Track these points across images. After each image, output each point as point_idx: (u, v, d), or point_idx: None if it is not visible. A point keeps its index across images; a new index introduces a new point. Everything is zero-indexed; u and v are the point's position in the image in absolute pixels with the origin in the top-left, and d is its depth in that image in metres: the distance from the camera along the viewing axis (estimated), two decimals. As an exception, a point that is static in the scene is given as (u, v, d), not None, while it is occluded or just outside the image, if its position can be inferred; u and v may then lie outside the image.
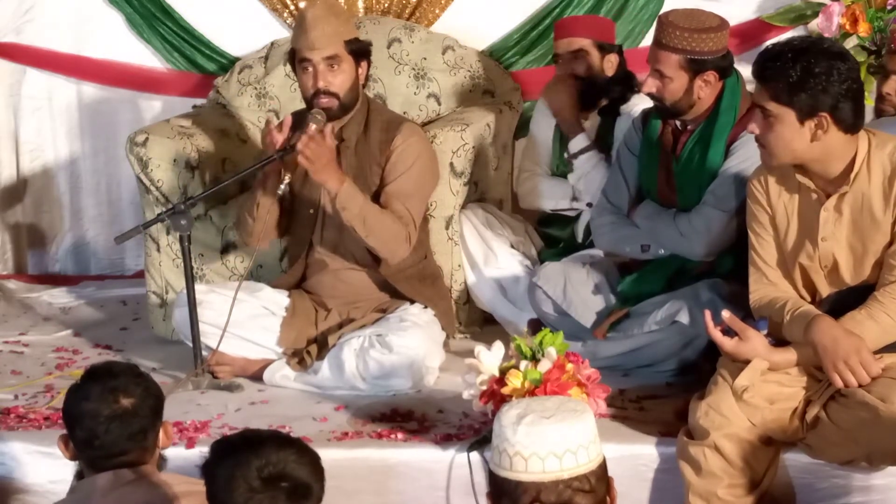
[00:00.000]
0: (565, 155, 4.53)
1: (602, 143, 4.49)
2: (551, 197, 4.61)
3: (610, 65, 4.50)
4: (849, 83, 3.16)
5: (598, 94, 4.49)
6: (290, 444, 2.37)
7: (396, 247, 4.04)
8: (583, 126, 4.49)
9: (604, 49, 4.51)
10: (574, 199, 4.56)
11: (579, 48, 4.49)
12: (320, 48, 4.01)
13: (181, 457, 3.46)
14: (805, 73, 3.13)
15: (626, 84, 4.51)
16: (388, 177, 4.08)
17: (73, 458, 2.82)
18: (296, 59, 4.08)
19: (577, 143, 4.48)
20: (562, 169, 4.58)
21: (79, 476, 2.87)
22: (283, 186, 4.00)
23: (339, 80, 4.04)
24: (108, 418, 2.72)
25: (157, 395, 2.82)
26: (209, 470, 2.33)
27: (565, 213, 4.62)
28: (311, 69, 4.03)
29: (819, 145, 3.19)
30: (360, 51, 4.10)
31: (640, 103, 4.43)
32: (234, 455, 2.30)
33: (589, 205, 4.48)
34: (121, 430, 2.72)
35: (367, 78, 4.20)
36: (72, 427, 2.78)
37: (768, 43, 3.39)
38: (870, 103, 4.53)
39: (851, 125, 3.20)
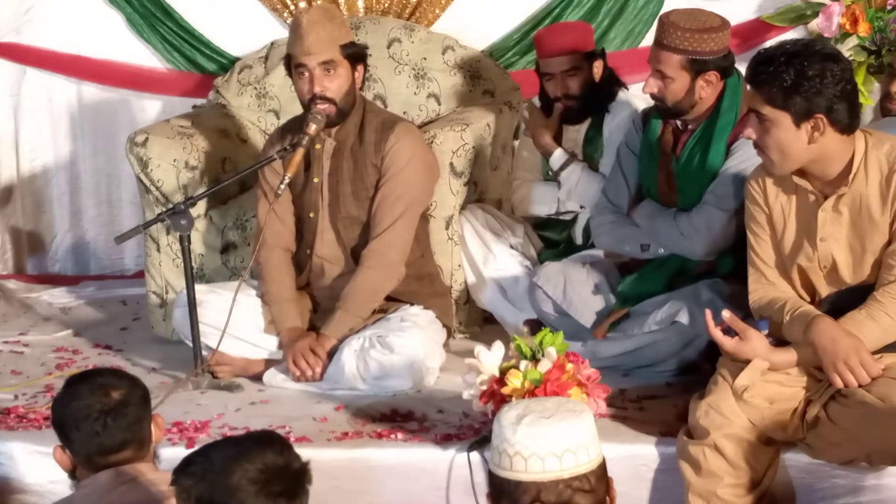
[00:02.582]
0: (549, 172, 4.54)
1: (592, 144, 4.48)
2: (543, 202, 4.61)
3: (597, 70, 4.47)
4: (843, 84, 3.16)
5: (595, 105, 4.47)
6: (271, 438, 2.34)
7: (391, 285, 4.10)
8: (555, 144, 4.48)
9: (592, 57, 4.46)
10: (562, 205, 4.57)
11: (571, 66, 4.42)
12: (316, 53, 4.00)
13: (180, 457, 3.45)
14: (799, 76, 3.13)
15: (612, 84, 4.49)
16: (381, 178, 4.08)
17: (71, 469, 2.82)
18: (292, 64, 4.08)
19: (556, 160, 4.48)
20: (553, 174, 4.58)
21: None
22: (281, 186, 4.00)
23: (335, 85, 4.03)
24: (102, 413, 2.73)
25: (143, 387, 2.84)
26: (209, 481, 2.29)
27: (561, 218, 4.61)
28: (307, 74, 4.03)
29: (816, 147, 3.19)
30: (355, 55, 4.09)
31: (625, 100, 4.44)
32: (233, 464, 2.27)
33: (581, 207, 4.49)
34: (117, 423, 2.73)
35: (364, 81, 4.20)
36: (67, 433, 2.77)
37: (762, 46, 3.38)
38: (869, 103, 4.55)
39: (847, 126, 3.20)
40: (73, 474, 2.84)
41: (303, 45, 4.00)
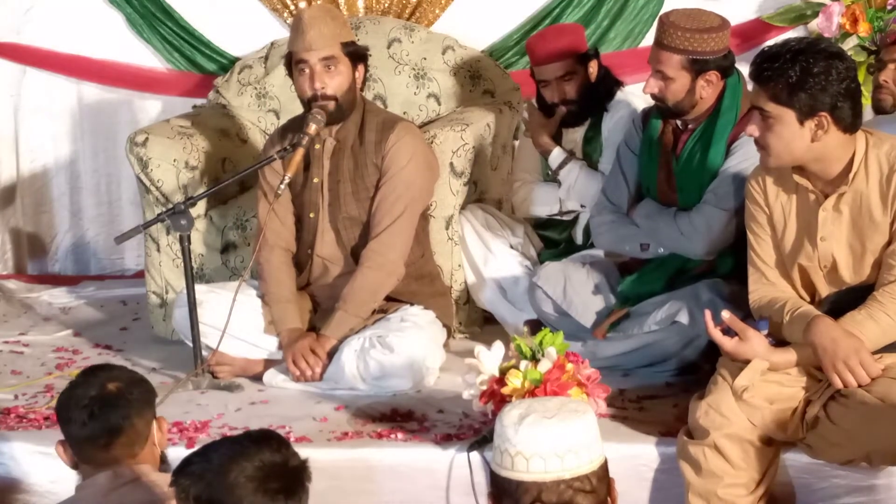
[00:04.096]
0: (549, 173, 4.54)
1: (591, 143, 4.48)
2: (545, 203, 4.60)
3: (593, 71, 4.46)
4: (847, 82, 3.16)
5: (593, 105, 4.47)
6: (268, 436, 2.34)
7: (390, 285, 4.09)
8: (553, 143, 4.48)
9: (587, 58, 4.45)
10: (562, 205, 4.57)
11: (566, 72, 4.41)
12: (317, 49, 4.00)
13: (181, 457, 3.45)
14: (804, 73, 3.13)
15: (609, 83, 4.49)
16: (382, 178, 4.08)
17: (72, 464, 2.82)
18: (292, 61, 4.07)
19: (554, 159, 4.48)
20: (552, 173, 4.57)
21: None
22: (281, 186, 4.00)
23: (335, 82, 4.03)
24: (92, 400, 2.73)
25: (148, 389, 2.84)
26: (207, 481, 2.29)
27: (561, 219, 4.61)
28: (307, 71, 4.03)
29: (819, 146, 3.19)
30: (356, 54, 4.09)
31: (623, 99, 4.44)
32: (230, 463, 2.27)
33: (582, 206, 4.49)
34: (104, 413, 2.73)
35: (364, 82, 4.20)
36: (63, 422, 2.78)
37: (765, 45, 3.38)
38: (868, 102, 4.55)
39: (850, 125, 3.20)
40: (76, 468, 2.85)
41: (304, 41, 4.00)
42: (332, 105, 4.03)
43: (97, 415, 2.73)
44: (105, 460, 2.75)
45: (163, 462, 2.88)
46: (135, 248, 5.50)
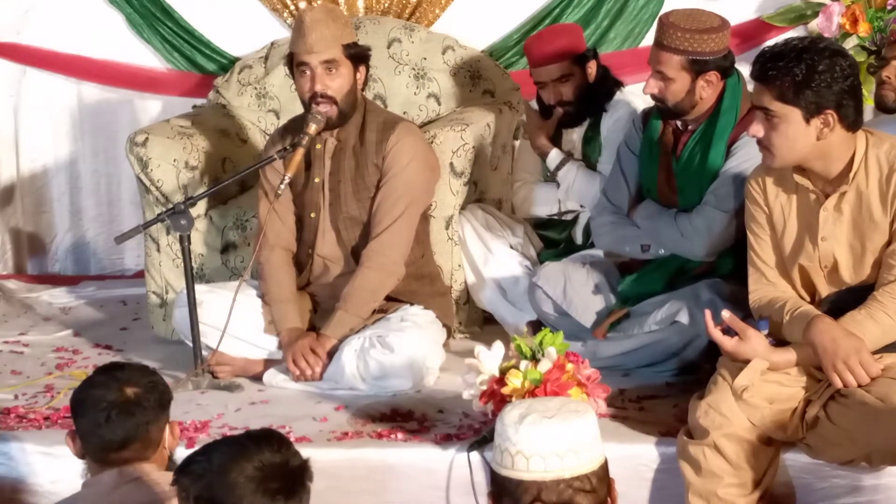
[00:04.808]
0: (549, 173, 4.54)
1: (591, 144, 4.48)
2: (545, 203, 4.61)
3: (591, 71, 4.45)
4: (851, 80, 3.17)
5: (590, 107, 4.47)
6: (269, 436, 2.34)
7: (390, 285, 4.09)
8: (550, 145, 4.49)
9: (584, 59, 4.45)
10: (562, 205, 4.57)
11: (562, 74, 4.41)
12: (318, 52, 4.00)
13: (180, 457, 3.45)
14: (809, 71, 3.13)
15: (608, 84, 4.49)
16: (382, 178, 4.08)
17: (79, 455, 2.83)
18: (293, 63, 4.08)
19: (552, 160, 4.49)
20: (550, 174, 4.57)
21: None
22: (282, 186, 4.00)
23: (336, 84, 4.03)
24: (110, 405, 2.73)
25: (164, 393, 2.83)
26: (208, 481, 2.29)
27: (561, 219, 4.61)
28: (308, 73, 4.03)
29: (823, 144, 3.19)
30: (358, 55, 4.09)
31: (622, 99, 4.44)
32: (230, 463, 2.27)
33: (581, 207, 4.49)
34: (121, 420, 2.73)
35: (366, 82, 4.20)
36: (76, 417, 2.79)
37: (766, 45, 3.38)
38: (869, 103, 4.56)
39: (854, 122, 3.20)
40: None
41: (305, 44, 4.00)
42: (332, 108, 4.03)
43: (114, 420, 2.73)
44: (114, 461, 2.75)
45: (171, 462, 2.89)
46: (135, 248, 5.50)
